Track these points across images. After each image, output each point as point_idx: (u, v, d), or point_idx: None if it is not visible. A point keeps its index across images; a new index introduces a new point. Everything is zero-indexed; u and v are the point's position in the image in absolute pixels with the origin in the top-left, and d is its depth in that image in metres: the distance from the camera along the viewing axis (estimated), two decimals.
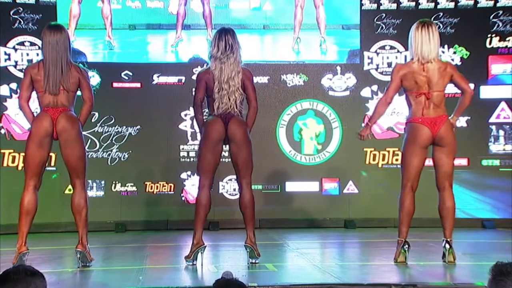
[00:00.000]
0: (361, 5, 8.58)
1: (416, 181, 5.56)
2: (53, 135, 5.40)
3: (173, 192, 8.43)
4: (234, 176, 5.93)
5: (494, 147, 8.57)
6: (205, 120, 5.59)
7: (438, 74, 5.50)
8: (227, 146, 5.60)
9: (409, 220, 5.54)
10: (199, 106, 5.59)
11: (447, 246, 5.45)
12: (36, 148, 5.36)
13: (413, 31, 5.55)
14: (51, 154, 5.79)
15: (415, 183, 5.55)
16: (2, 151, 8.10)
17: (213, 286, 2.68)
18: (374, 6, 8.60)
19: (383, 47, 8.62)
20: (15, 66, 8.17)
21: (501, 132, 8.56)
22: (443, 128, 5.48)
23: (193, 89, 5.86)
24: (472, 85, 8.27)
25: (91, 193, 8.07)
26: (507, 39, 8.55)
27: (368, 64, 8.62)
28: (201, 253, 5.49)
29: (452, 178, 5.57)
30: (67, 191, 7.73)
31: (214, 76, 5.48)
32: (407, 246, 5.48)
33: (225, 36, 5.52)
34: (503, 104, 8.52)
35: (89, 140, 8.17)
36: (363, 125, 8.40)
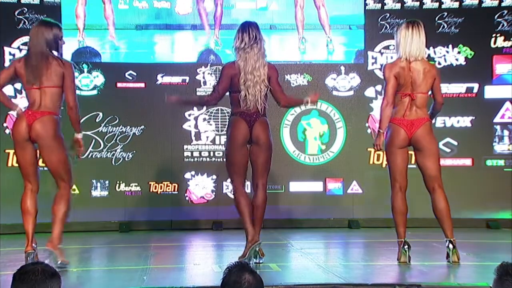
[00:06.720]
0: (365, 5, 8.56)
1: (404, 180, 5.54)
2: (31, 138, 5.32)
3: (177, 192, 8.42)
4: None
5: (499, 147, 8.55)
6: (228, 120, 5.62)
7: (423, 75, 5.49)
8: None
9: (404, 220, 5.53)
10: (217, 95, 5.53)
11: (451, 246, 5.43)
12: (20, 151, 5.36)
13: (401, 30, 5.54)
14: None
15: (403, 182, 5.54)
16: (7, 151, 8.10)
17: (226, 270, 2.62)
18: (378, 6, 8.59)
19: (387, 47, 8.59)
20: None
21: (506, 132, 8.53)
22: (420, 131, 5.46)
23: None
24: (476, 85, 8.39)
25: (95, 193, 8.06)
26: None
27: (372, 64, 8.60)
28: (257, 249, 5.37)
29: (439, 179, 5.53)
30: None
31: (239, 68, 5.45)
32: (407, 246, 5.46)
33: (248, 28, 5.51)
34: (507, 104, 8.50)
35: (93, 140, 8.17)
36: (367, 124, 8.54)
